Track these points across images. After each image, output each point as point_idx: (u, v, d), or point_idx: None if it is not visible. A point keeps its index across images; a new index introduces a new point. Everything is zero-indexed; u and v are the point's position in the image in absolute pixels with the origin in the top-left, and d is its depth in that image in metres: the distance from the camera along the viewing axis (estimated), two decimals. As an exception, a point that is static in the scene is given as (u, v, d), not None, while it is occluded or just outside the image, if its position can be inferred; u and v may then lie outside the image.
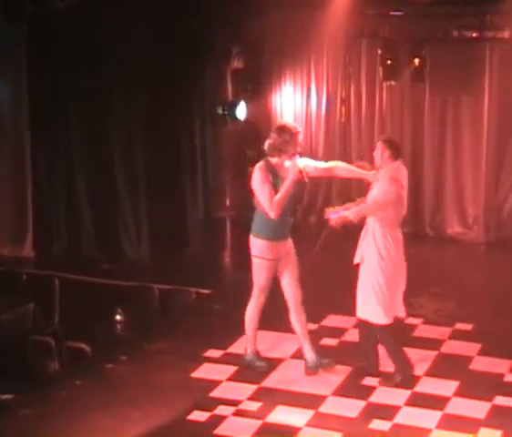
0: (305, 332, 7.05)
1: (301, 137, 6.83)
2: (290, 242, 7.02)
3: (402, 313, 6.94)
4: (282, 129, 6.81)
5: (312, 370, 6.99)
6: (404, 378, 6.80)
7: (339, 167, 7.14)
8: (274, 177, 6.76)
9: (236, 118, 12.27)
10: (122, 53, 9.91)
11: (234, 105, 12.22)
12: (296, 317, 7.06)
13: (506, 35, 10.76)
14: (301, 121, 12.34)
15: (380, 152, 6.78)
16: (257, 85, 12.29)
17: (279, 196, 6.67)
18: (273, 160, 6.82)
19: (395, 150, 6.80)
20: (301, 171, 6.74)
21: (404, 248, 6.88)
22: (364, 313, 6.82)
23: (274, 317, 8.21)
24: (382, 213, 6.68)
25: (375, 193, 6.75)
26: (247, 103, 12.25)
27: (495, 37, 10.80)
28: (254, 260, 6.96)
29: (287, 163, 6.75)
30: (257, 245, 6.89)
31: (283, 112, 12.36)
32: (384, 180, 6.70)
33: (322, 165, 7.13)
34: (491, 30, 10.78)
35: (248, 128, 12.43)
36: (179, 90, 10.57)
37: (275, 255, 6.89)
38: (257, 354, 7.20)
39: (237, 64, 12.37)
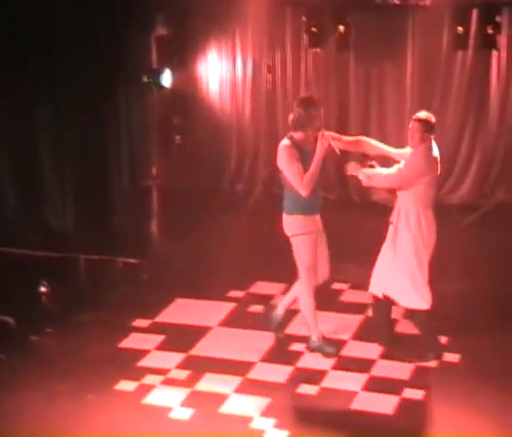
0: (315, 313, 6.85)
1: (321, 111, 6.55)
2: (320, 218, 6.77)
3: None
4: (308, 103, 6.54)
5: (312, 349, 6.85)
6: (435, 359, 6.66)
7: (366, 142, 6.85)
8: (301, 153, 6.48)
9: (161, 86, 12.16)
10: (42, 21, 9.65)
11: (159, 73, 12.11)
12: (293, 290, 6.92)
13: (427, 2, 10.91)
14: (227, 89, 12.32)
15: (416, 133, 6.51)
16: (182, 52, 12.18)
17: (309, 173, 6.42)
18: (297, 135, 6.53)
19: (430, 129, 6.55)
20: (330, 145, 6.48)
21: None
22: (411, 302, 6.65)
23: (202, 285, 8.23)
24: (414, 190, 6.48)
25: (405, 167, 6.49)
26: (172, 71, 12.15)
27: (417, 5, 10.94)
28: (294, 240, 6.60)
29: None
30: (293, 222, 6.58)
31: (209, 79, 12.30)
32: (419, 158, 6.46)
33: (347, 138, 6.88)
34: (413, -3, 10.93)
35: (174, 96, 12.35)
36: (102, 58, 10.38)
37: (313, 227, 6.60)
38: (324, 339, 6.85)
39: (161, 31, 12.24)
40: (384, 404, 6.01)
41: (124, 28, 10.87)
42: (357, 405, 6.03)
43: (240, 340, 7.15)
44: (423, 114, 6.61)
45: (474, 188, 11.39)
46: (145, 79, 12.05)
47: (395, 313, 7.05)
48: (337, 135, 6.73)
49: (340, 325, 7.33)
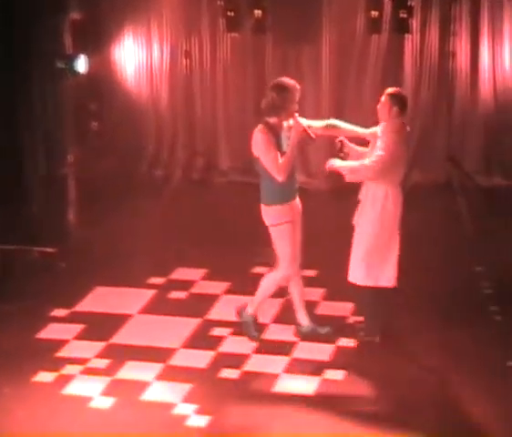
0: (302, 298, 6.82)
1: (297, 95, 6.47)
2: (299, 202, 6.72)
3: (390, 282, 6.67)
4: (282, 87, 6.46)
5: (304, 335, 6.79)
6: (367, 339, 6.70)
7: (336, 126, 6.80)
8: (276, 138, 6.40)
9: (76, 72, 11.94)
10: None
11: (74, 58, 11.88)
12: (295, 280, 6.80)
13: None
14: (144, 74, 12.19)
15: (387, 108, 6.47)
16: (97, 37, 11.98)
17: (285, 158, 6.34)
18: (272, 120, 6.45)
19: (404, 105, 6.49)
20: (305, 130, 6.38)
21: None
22: (353, 277, 6.66)
23: (121, 273, 8.15)
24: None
25: (385, 153, 6.36)
26: (88, 56, 11.95)
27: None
28: (273, 230, 6.51)
29: (290, 122, 6.40)
30: (272, 212, 6.49)
31: (126, 64, 12.15)
32: (389, 139, 6.39)
33: (318, 123, 6.77)
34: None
35: (89, 82, 12.13)
36: (13, 44, 10.14)
37: (292, 216, 6.53)
38: (255, 320, 6.84)
39: (76, 15, 12.01)
40: (306, 385, 6.07)
41: (36, 11, 10.62)
42: (279, 388, 6.07)
43: (160, 327, 7.11)
44: (394, 89, 6.59)
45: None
46: (59, 65, 11.81)
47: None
48: (308, 121, 6.61)
49: (261, 308, 7.34)
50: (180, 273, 8.21)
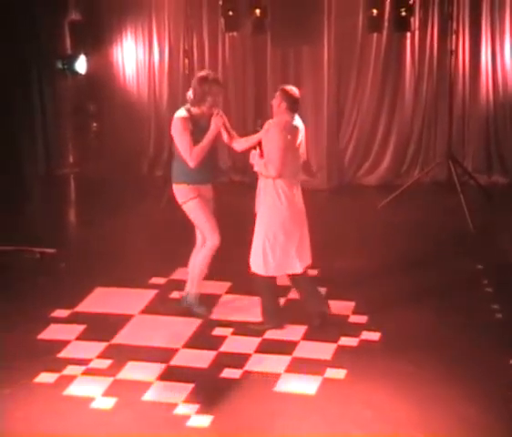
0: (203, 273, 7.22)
1: (218, 89, 6.83)
2: (212, 191, 7.13)
3: (297, 269, 6.88)
4: (202, 79, 6.81)
5: (187, 304, 7.20)
6: (272, 329, 6.89)
7: (237, 141, 7.07)
8: (195, 126, 6.79)
9: (76, 72, 11.96)
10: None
11: (74, 58, 11.91)
12: (194, 258, 7.25)
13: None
14: (144, 74, 12.20)
15: (277, 102, 6.69)
16: (97, 37, 12.00)
17: (199, 146, 6.77)
18: (194, 110, 6.83)
19: (293, 103, 6.70)
20: (224, 124, 6.85)
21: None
22: (252, 264, 6.86)
23: (122, 273, 8.15)
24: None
25: (269, 153, 6.58)
26: (87, 56, 11.95)
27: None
28: (184, 208, 7.00)
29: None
30: (179, 191, 6.97)
31: (125, 65, 12.15)
32: (272, 135, 6.58)
33: (231, 132, 7.08)
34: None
35: (89, 82, 12.15)
36: (13, 45, 10.14)
37: (198, 193, 6.95)
38: (199, 298, 7.23)
39: (75, 15, 12.02)
40: (307, 385, 6.06)
41: (36, 12, 10.63)
42: (281, 387, 6.05)
43: (162, 327, 7.10)
44: (285, 86, 6.86)
45: (391, 169, 11.58)
46: (59, 65, 11.82)
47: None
48: (227, 124, 6.96)
49: (201, 286, 7.33)
50: (181, 273, 8.18)
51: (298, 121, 6.80)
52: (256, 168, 6.76)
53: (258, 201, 6.86)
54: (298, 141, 6.75)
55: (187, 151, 6.78)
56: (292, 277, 7.00)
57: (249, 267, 6.93)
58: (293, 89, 6.78)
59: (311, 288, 7.06)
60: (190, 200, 6.94)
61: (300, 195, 6.88)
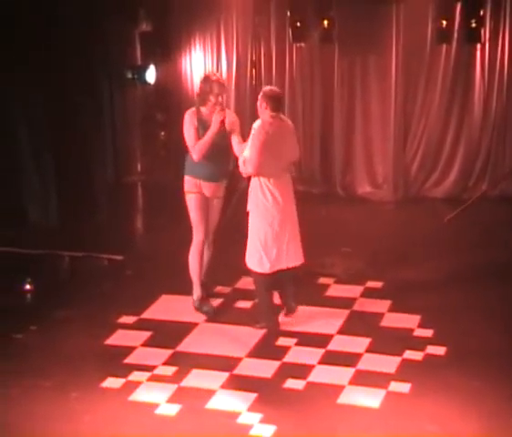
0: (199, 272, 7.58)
1: (218, 88, 7.23)
2: (220, 190, 7.50)
3: (289, 263, 7.15)
4: (204, 79, 7.38)
5: (196, 309, 7.52)
6: (267, 328, 7.13)
7: (234, 139, 7.39)
8: (200, 123, 7.25)
9: (146, 82, 12.12)
10: (22, 15, 9.55)
11: (143, 68, 12.07)
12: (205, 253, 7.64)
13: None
14: (211, 84, 12.27)
15: (259, 103, 7.02)
16: (166, 48, 12.14)
17: (201, 141, 7.19)
18: (202, 109, 7.30)
19: (273, 102, 6.95)
20: (223, 122, 7.19)
21: (296, 203, 7.21)
22: (247, 261, 7.17)
23: (188, 281, 8.21)
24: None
25: (250, 148, 6.94)
26: (156, 66, 12.11)
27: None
28: (186, 199, 7.46)
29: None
30: (185, 182, 7.43)
31: (193, 75, 12.25)
32: (252, 135, 6.92)
33: (237, 136, 7.40)
34: (397, -9, 10.94)
35: (157, 92, 12.31)
36: (85, 54, 10.33)
37: (199, 189, 7.37)
38: (202, 299, 7.54)
39: (145, 26, 12.19)
40: (371, 398, 6.02)
41: (107, 23, 10.81)
42: (344, 399, 6.03)
43: (226, 335, 7.14)
44: (266, 87, 7.27)
45: (458, 182, 11.42)
46: (129, 75, 12.00)
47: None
48: (235, 127, 7.35)
49: (326, 319, 7.33)
50: (246, 283, 8.22)
51: (285, 120, 7.10)
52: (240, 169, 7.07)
53: (249, 200, 7.12)
54: (284, 138, 6.97)
55: (191, 144, 7.25)
56: (280, 270, 7.16)
57: (245, 263, 7.18)
58: (273, 89, 7.13)
59: (289, 283, 7.29)
60: (190, 193, 7.38)
61: (288, 192, 7.09)
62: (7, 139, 9.91)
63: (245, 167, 6.96)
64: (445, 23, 10.77)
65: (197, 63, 12.18)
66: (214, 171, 7.36)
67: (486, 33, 10.84)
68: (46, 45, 9.77)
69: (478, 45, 10.96)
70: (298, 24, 11.21)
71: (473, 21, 10.62)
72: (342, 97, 11.51)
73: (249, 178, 7.09)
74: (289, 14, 11.26)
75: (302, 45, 11.52)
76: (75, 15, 9.97)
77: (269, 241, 7.01)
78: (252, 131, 6.92)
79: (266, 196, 6.97)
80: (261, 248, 7.02)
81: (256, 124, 6.96)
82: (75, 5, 9.88)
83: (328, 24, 11.08)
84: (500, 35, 10.91)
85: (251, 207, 7.06)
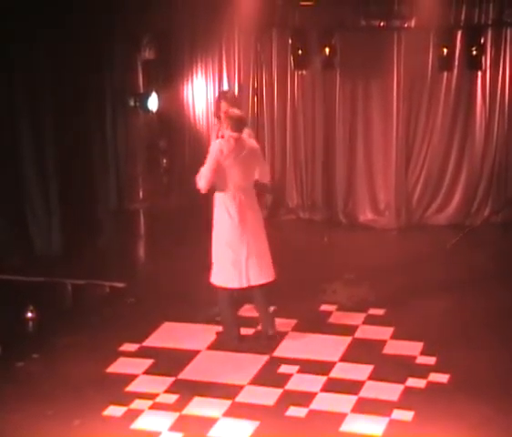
0: None
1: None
2: None
3: (252, 281, 7.27)
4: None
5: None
6: (227, 342, 7.36)
7: None
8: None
9: (148, 110, 12.17)
10: (28, 38, 9.60)
11: (146, 96, 12.12)
12: None
13: (412, 23, 10.98)
14: (213, 112, 12.31)
15: (223, 124, 7.33)
16: (168, 75, 12.20)
17: None
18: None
19: (233, 123, 7.19)
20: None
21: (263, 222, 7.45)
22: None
23: (190, 308, 8.21)
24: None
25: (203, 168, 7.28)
26: (158, 94, 12.16)
27: (402, 26, 11.00)
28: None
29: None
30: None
31: (195, 102, 12.30)
32: (209, 152, 7.25)
33: None
34: (398, 19, 10.98)
35: (160, 119, 12.35)
36: (88, 81, 10.38)
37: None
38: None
39: (148, 54, 12.26)
40: (374, 426, 5.99)
41: (110, 51, 10.87)
42: (346, 427, 6.00)
43: (228, 363, 7.12)
44: (230, 109, 7.47)
45: (460, 209, 11.43)
46: (131, 102, 12.05)
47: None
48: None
49: (328, 347, 7.31)
50: (248, 310, 8.21)
51: (247, 141, 7.30)
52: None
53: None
54: (243, 158, 7.16)
55: None
56: (250, 290, 7.35)
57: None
58: (235, 111, 7.36)
59: (263, 307, 7.43)
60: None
61: (250, 210, 7.26)
62: (12, 168, 9.92)
63: (198, 182, 7.23)
64: (446, 50, 10.81)
65: (199, 90, 12.23)
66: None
67: (486, 60, 10.89)
68: (53, 70, 9.81)
69: (479, 73, 11.01)
70: (300, 51, 11.26)
71: (473, 48, 10.66)
72: (343, 125, 11.54)
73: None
74: (290, 41, 11.31)
75: (304, 72, 11.57)
76: (79, 42, 10.02)
77: (223, 256, 7.23)
78: (210, 149, 7.24)
79: (221, 212, 7.23)
80: (217, 262, 7.27)
81: (214, 142, 7.32)
82: (78, 32, 9.93)
83: (330, 51, 11.12)
84: (501, 63, 10.96)
85: (214, 221, 7.32)
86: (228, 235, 7.22)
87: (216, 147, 7.19)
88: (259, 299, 7.44)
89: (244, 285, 7.29)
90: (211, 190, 7.29)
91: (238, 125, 7.22)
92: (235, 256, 7.22)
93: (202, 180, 7.19)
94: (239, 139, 7.20)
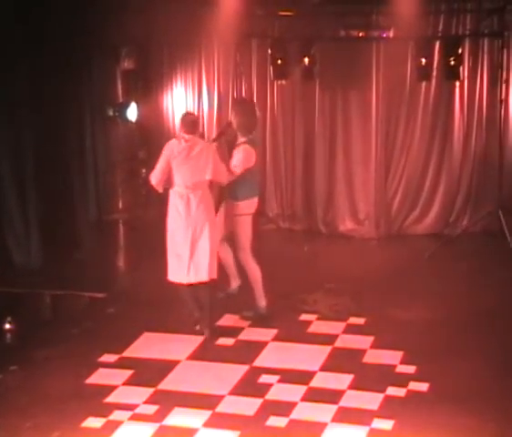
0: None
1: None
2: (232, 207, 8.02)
3: (191, 279, 7.56)
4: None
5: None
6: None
7: None
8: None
9: (127, 120, 12.14)
10: (4, 51, 9.55)
11: (125, 106, 12.09)
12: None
13: (391, 34, 11.04)
14: (193, 121, 12.30)
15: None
16: (148, 85, 12.18)
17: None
18: None
19: (185, 124, 7.57)
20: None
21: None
22: None
23: (170, 318, 8.18)
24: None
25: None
26: (138, 104, 12.14)
27: (381, 37, 11.06)
28: (240, 221, 7.98)
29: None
30: (241, 207, 7.97)
31: (175, 112, 12.29)
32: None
33: None
34: (377, 29, 11.04)
35: (139, 129, 12.33)
36: (67, 92, 10.34)
37: (255, 208, 8.06)
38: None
39: (127, 64, 12.23)
40: (354, 435, 5.99)
41: (88, 60, 10.84)
42: (327, 437, 6.01)
43: (208, 373, 7.10)
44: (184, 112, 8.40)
45: (439, 218, 11.48)
46: (110, 113, 12.01)
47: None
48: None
49: (309, 356, 7.31)
50: (228, 320, 8.21)
51: (199, 142, 7.57)
52: None
53: None
54: (193, 158, 7.43)
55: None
56: (194, 287, 7.61)
57: None
58: (189, 113, 8.08)
59: (203, 304, 7.68)
60: (247, 215, 7.97)
61: (198, 208, 7.49)
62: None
63: (151, 180, 7.65)
64: (424, 61, 10.87)
65: (178, 100, 12.22)
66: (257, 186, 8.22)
67: (464, 70, 10.96)
68: (31, 82, 9.76)
69: (457, 83, 11.08)
70: (279, 61, 11.28)
71: (451, 59, 10.73)
72: (323, 134, 11.57)
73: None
74: (270, 51, 11.33)
75: (283, 82, 11.59)
76: (57, 54, 9.98)
77: (171, 252, 7.58)
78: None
79: (171, 209, 7.58)
80: (168, 257, 7.61)
81: (167, 143, 7.64)
82: (56, 44, 9.89)
83: (309, 61, 11.15)
84: (478, 73, 11.04)
85: (167, 218, 7.64)
86: (175, 231, 7.54)
87: (166, 146, 7.57)
88: (200, 296, 7.68)
89: (185, 282, 7.57)
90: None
91: (191, 126, 7.56)
92: (180, 252, 7.52)
93: (153, 178, 7.62)
94: (190, 140, 7.48)
